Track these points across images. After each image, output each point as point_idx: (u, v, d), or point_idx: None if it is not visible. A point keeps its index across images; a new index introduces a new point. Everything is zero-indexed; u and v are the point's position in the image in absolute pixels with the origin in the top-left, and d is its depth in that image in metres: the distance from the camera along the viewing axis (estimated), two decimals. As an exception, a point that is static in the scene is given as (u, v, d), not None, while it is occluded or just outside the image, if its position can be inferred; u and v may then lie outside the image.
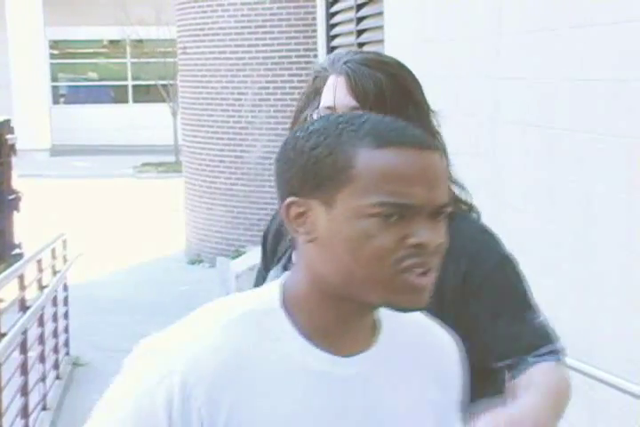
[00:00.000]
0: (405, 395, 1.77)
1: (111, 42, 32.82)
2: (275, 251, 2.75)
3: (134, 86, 32.32)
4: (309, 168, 1.59)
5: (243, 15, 13.64)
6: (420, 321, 1.83)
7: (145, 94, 30.84)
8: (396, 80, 2.34)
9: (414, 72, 2.49)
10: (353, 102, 2.29)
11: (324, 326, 1.66)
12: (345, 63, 2.37)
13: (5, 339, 6.19)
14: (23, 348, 6.94)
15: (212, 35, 14.04)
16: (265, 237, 2.93)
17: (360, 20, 9.91)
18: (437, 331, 1.89)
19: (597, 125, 5.10)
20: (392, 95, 2.31)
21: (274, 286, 1.67)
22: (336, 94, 2.33)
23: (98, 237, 15.49)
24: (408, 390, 1.77)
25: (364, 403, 1.69)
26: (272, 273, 2.60)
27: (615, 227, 4.82)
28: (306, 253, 1.64)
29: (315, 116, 2.35)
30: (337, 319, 1.65)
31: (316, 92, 2.45)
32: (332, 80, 2.35)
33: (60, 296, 10.05)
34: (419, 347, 1.82)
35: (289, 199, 1.60)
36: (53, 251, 10.15)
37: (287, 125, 10.35)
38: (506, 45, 5.83)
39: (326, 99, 2.34)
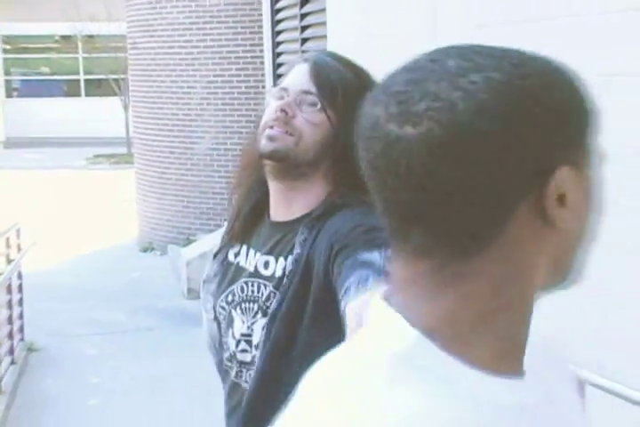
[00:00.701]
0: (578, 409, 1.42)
1: (63, 37, 32.59)
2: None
3: (86, 80, 32.18)
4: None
5: (190, 11, 13.61)
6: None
7: (97, 88, 30.72)
8: (359, 77, 2.26)
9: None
10: (309, 87, 2.21)
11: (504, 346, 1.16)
12: (315, 55, 2.34)
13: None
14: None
15: (162, 30, 14.00)
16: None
17: (304, 16, 9.94)
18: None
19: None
20: (350, 89, 2.21)
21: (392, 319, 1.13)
22: (296, 77, 2.27)
23: (51, 226, 15.41)
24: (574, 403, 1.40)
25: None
26: None
27: None
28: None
29: (266, 97, 2.33)
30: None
31: None
32: (298, 67, 2.30)
33: (15, 284, 10.02)
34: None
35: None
36: (7, 240, 10.14)
37: (237, 118, 10.32)
38: (442, 41, 5.87)
39: (285, 80, 2.29)
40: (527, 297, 1.17)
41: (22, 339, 9.83)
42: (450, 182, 1.07)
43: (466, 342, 1.11)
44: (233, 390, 2.38)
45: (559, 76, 1.17)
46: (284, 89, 2.24)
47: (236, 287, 2.34)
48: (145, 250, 14.50)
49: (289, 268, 2.18)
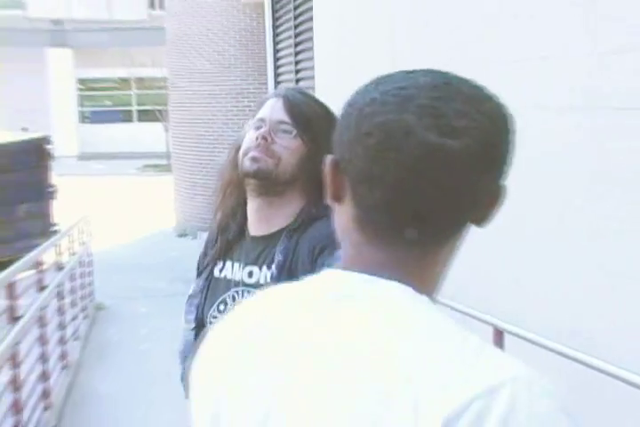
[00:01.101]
0: None
1: (121, 79, 32.49)
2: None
3: (138, 110, 32.06)
4: None
5: (214, 60, 13.58)
6: None
7: (145, 116, 30.56)
8: (323, 109, 2.12)
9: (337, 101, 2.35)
10: (284, 117, 2.06)
11: None
12: (285, 91, 2.18)
13: (47, 290, 6.19)
14: (60, 296, 6.95)
15: (192, 74, 13.98)
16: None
17: (297, 62, 9.95)
18: None
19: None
20: (319, 118, 2.07)
21: None
22: (271, 110, 2.10)
23: (112, 218, 15.39)
24: None
25: None
26: None
27: None
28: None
29: (246, 128, 2.16)
30: None
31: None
32: (270, 101, 2.14)
33: (86, 260, 10.06)
34: None
35: None
36: (80, 228, 10.14)
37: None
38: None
39: (262, 112, 2.12)
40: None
41: (92, 300, 9.88)
42: (474, 190, 1.06)
43: (430, 293, 1.10)
44: None
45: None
46: (262, 120, 2.09)
47: (227, 297, 2.13)
48: (180, 235, 14.47)
49: (273, 274, 2.00)
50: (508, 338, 3.99)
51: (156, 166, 26.79)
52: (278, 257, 2.00)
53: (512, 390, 0.92)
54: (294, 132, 2.06)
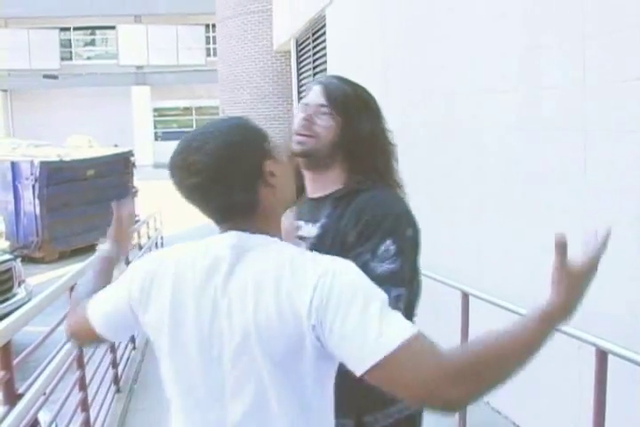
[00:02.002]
0: None
1: (185, 108, 32.58)
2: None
3: (197, 131, 32.28)
4: None
5: (253, 92, 13.60)
6: None
7: (203, 135, 30.73)
8: (356, 92, 1.95)
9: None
10: (322, 101, 1.91)
11: None
12: (325, 78, 2.01)
13: (131, 264, 6.17)
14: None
15: (237, 103, 13.99)
16: None
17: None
18: None
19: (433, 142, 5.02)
20: (350, 99, 1.92)
21: None
22: (313, 95, 1.96)
23: (178, 210, 15.39)
24: None
25: None
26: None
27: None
28: None
29: (294, 111, 2.02)
30: None
31: None
32: (314, 88, 1.99)
33: (159, 242, 10.06)
34: None
35: None
36: (155, 218, 10.17)
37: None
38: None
39: (306, 97, 1.99)
40: (278, 213, 1.42)
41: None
42: (230, 193, 1.33)
43: (274, 235, 1.36)
44: None
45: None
46: (306, 104, 1.96)
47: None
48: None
49: (317, 232, 1.87)
50: (472, 300, 3.97)
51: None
52: (322, 220, 1.89)
53: (336, 270, 1.24)
54: (330, 113, 1.92)
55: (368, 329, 1.18)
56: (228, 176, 1.31)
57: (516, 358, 1.26)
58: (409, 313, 1.79)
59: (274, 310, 1.24)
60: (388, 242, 1.74)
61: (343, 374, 1.31)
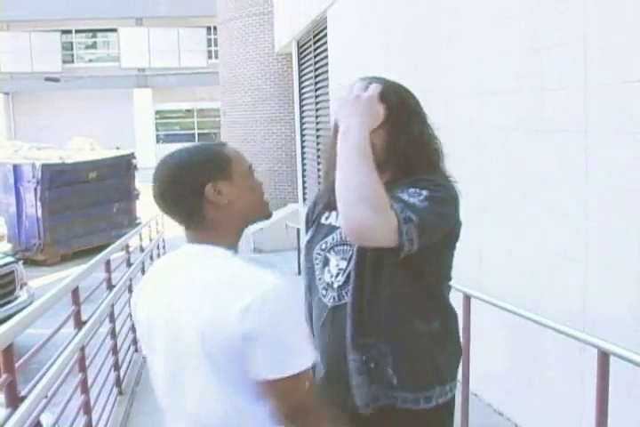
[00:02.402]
0: None
1: (186, 110, 32.62)
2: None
3: (198, 133, 32.15)
4: None
5: (255, 95, 13.62)
6: None
7: (204, 137, 30.62)
8: (397, 95, 1.91)
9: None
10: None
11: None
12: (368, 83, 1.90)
13: (132, 266, 6.17)
14: (142, 271, 6.91)
15: (238, 105, 14.01)
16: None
17: (317, 96, 9.94)
18: None
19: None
20: (394, 105, 1.87)
21: None
22: None
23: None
24: None
25: None
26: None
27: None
28: None
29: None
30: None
31: None
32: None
33: (161, 244, 10.05)
34: None
35: None
36: (156, 221, 10.16)
37: (278, 152, 10.11)
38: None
39: None
40: (233, 225, 1.59)
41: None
42: (184, 203, 1.55)
43: (229, 247, 1.57)
44: (322, 309, 1.96)
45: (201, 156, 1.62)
46: None
47: (329, 238, 1.97)
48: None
49: None
50: (473, 301, 3.96)
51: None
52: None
53: (271, 292, 1.44)
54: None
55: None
56: (172, 194, 1.55)
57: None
58: (447, 273, 2.01)
59: (209, 319, 1.45)
60: (424, 191, 1.78)
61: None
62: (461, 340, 3.96)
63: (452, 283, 4.02)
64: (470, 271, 4.53)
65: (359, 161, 1.71)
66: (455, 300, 3.96)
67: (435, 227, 1.78)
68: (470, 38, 4.43)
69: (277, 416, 1.49)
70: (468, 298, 3.95)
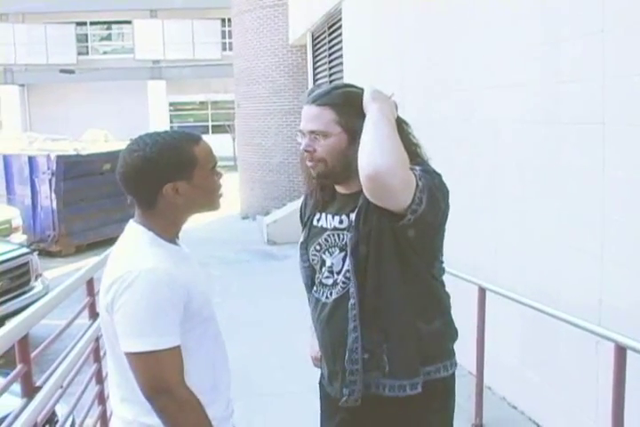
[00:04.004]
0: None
1: (200, 102, 32.60)
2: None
3: (212, 125, 32.14)
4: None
5: (268, 86, 13.57)
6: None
7: (218, 129, 30.58)
8: (342, 99, 1.93)
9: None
10: (313, 127, 1.94)
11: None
12: (312, 98, 1.96)
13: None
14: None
15: (252, 97, 13.98)
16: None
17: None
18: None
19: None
20: (342, 111, 1.92)
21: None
22: (304, 121, 1.96)
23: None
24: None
25: (195, 264, 1.87)
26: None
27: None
28: None
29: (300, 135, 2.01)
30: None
31: None
32: (304, 110, 1.99)
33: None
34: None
35: None
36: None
37: (292, 144, 10.14)
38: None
39: (301, 122, 1.99)
40: (175, 219, 1.75)
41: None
42: (143, 187, 1.70)
43: (158, 231, 1.72)
44: (319, 306, 2.06)
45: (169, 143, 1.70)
46: (301, 131, 1.98)
47: (321, 239, 2.04)
48: (244, 218, 14.47)
49: (354, 216, 1.91)
50: (489, 294, 3.95)
51: (225, 167, 26.72)
52: (358, 207, 1.92)
53: (132, 273, 1.59)
54: (325, 134, 1.92)
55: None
56: (133, 183, 1.68)
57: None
58: (438, 254, 1.99)
59: (104, 289, 1.68)
60: (417, 167, 1.87)
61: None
62: (475, 333, 3.96)
63: (466, 275, 4.02)
64: (485, 264, 4.52)
65: (393, 131, 1.83)
66: (470, 292, 3.97)
67: (437, 196, 1.85)
68: (487, 30, 4.40)
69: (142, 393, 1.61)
70: (482, 291, 3.94)
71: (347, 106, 1.92)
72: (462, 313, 4.40)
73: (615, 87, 3.08)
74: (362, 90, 1.97)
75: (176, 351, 1.60)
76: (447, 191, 1.92)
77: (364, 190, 1.80)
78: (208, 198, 1.75)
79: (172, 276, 1.62)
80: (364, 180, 1.78)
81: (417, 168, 1.85)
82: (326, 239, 2.04)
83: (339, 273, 1.99)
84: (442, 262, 2.04)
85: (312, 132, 1.94)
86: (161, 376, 1.58)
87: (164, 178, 1.67)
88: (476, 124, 4.57)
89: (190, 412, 1.60)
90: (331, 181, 2.02)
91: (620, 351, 2.63)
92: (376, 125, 1.82)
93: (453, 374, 2.05)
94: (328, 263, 2.03)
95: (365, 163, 1.77)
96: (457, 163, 4.83)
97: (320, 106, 1.93)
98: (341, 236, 1.99)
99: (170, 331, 1.60)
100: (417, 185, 1.79)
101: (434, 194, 1.83)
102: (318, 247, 2.07)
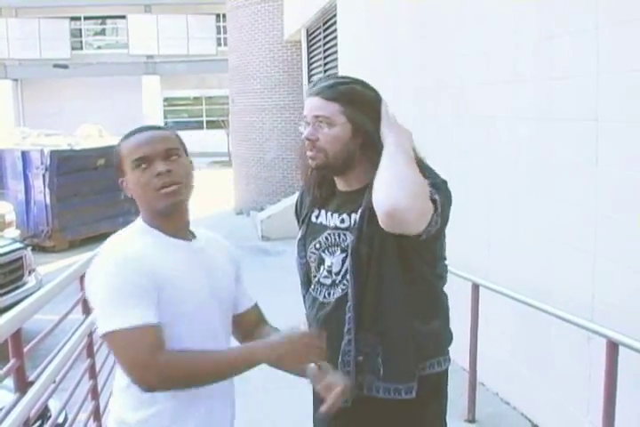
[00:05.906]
0: (222, 260, 1.90)
1: (195, 98, 32.54)
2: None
3: (207, 121, 32.07)
4: None
5: (263, 82, 13.55)
6: (211, 235, 1.99)
7: (212, 125, 30.53)
8: (351, 90, 1.92)
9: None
10: (318, 112, 1.91)
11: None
12: (317, 89, 1.94)
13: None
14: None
15: (247, 92, 13.96)
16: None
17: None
18: (220, 238, 2.02)
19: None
20: (349, 101, 1.89)
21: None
22: (309, 108, 1.93)
23: (191, 199, 15.42)
24: (222, 259, 1.90)
25: (207, 261, 1.82)
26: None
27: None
28: None
29: (301, 124, 1.98)
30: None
31: None
32: (308, 99, 1.97)
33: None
34: (214, 243, 1.94)
35: None
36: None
37: (287, 140, 10.19)
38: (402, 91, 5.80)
39: (305, 109, 1.97)
40: (146, 211, 1.78)
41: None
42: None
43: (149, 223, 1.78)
44: (316, 306, 2.04)
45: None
46: (305, 117, 1.95)
47: (321, 237, 2.01)
48: (238, 213, 14.46)
49: (358, 218, 1.90)
50: (482, 290, 3.96)
51: (220, 162, 26.78)
52: (361, 208, 1.90)
53: (99, 255, 1.68)
54: (332, 120, 1.89)
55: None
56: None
57: (217, 376, 1.69)
58: (442, 254, 1.99)
59: None
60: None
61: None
62: (468, 328, 3.97)
63: (459, 272, 4.03)
64: (478, 260, 4.53)
65: (411, 163, 1.81)
66: (463, 289, 3.98)
67: (448, 210, 1.86)
68: (481, 26, 4.40)
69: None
70: (476, 287, 3.95)
71: (352, 101, 1.90)
72: (455, 310, 4.41)
73: (609, 84, 3.09)
74: (366, 86, 1.96)
75: (147, 329, 1.56)
76: (451, 197, 1.91)
77: (381, 223, 1.77)
78: (145, 195, 1.73)
79: (139, 260, 1.63)
80: (381, 216, 1.76)
81: (427, 182, 1.82)
82: (327, 238, 2.01)
83: (337, 274, 1.97)
84: (445, 259, 2.03)
85: (317, 117, 1.91)
86: (134, 354, 1.55)
87: (116, 173, 1.77)
88: (470, 121, 4.58)
89: (177, 375, 1.58)
90: (329, 173, 1.99)
91: (612, 347, 2.64)
92: (394, 159, 1.81)
93: (446, 369, 2.04)
94: (327, 263, 2.00)
95: (383, 200, 1.75)
96: (450, 159, 4.84)
97: (325, 99, 1.91)
98: (342, 236, 1.97)
99: (136, 311, 1.57)
100: (435, 209, 1.79)
101: (446, 209, 1.85)
102: (318, 245, 2.03)
